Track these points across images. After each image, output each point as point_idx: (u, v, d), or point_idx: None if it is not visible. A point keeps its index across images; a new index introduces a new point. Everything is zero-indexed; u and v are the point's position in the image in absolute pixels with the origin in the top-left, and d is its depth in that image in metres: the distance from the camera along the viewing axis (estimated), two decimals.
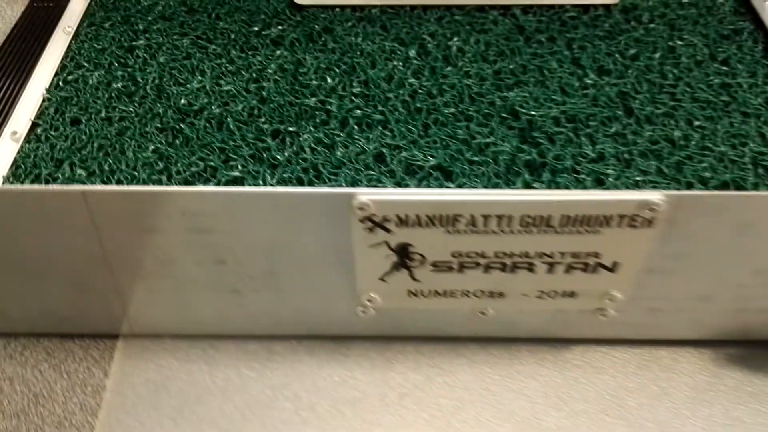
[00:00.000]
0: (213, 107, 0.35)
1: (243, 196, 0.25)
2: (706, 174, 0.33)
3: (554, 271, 0.25)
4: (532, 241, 0.24)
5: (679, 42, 0.40)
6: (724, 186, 0.33)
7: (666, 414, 0.28)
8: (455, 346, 0.30)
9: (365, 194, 0.22)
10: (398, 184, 0.32)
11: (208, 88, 0.36)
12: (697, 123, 0.36)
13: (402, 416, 0.28)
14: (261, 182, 0.32)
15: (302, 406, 0.28)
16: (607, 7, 0.42)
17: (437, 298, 0.26)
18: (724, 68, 0.39)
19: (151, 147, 0.33)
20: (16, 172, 0.32)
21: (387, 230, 0.23)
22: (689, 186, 0.33)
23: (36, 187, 0.28)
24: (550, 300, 0.26)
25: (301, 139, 0.34)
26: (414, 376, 0.29)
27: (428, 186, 0.32)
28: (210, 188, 0.28)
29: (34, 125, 0.35)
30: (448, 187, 0.32)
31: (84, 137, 0.34)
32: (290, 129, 0.35)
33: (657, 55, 0.39)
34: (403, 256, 0.24)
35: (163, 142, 0.33)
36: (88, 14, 0.42)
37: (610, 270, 0.25)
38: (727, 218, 0.24)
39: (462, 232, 0.23)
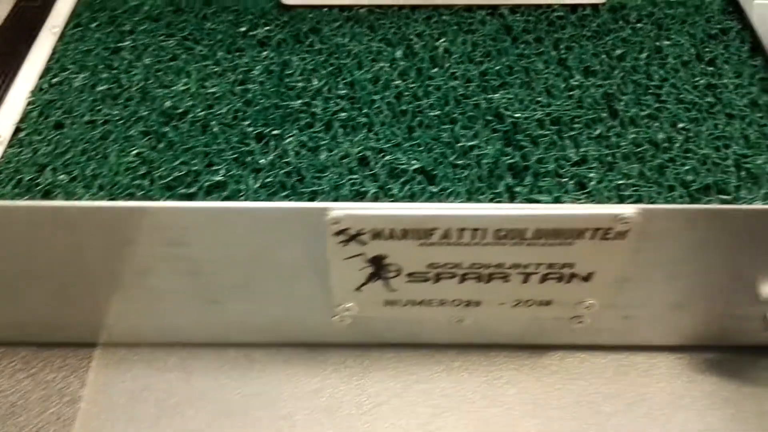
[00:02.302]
0: (198, 110, 0.35)
1: (216, 212, 0.25)
2: (689, 177, 0.33)
3: (529, 281, 0.25)
4: (507, 253, 0.24)
5: (666, 42, 0.40)
6: (705, 189, 0.33)
7: (642, 420, 0.29)
8: (433, 353, 0.30)
9: (339, 209, 0.22)
10: (381, 188, 0.32)
11: (193, 90, 0.36)
12: (681, 125, 0.36)
13: (378, 424, 0.28)
14: (243, 187, 0.32)
15: (279, 415, 0.28)
16: (595, 6, 0.42)
17: (414, 308, 0.27)
18: (710, 69, 0.39)
19: (135, 151, 0.33)
20: None
21: (362, 243, 0.23)
22: (671, 189, 0.33)
23: (8, 203, 0.28)
24: (526, 308, 0.27)
25: (285, 142, 0.34)
26: (391, 384, 0.29)
27: (411, 190, 0.32)
28: (184, 204, 0.28)
29: (17, 130, 0.35)
30: (430, 191, 0.32)
31: (67, 141, 0.34)
32: (274, 132, 0.35)
33: (643, 56, 0.39)
34: (379, 267, 0.24)
35: (147, 146, 0.33)
36: (74, 14, 0.41)
37: (585, 280, 0.25)
38: (699, 230, 0.24)
39: (437, 244, 0.23)
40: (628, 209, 0.23)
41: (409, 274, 0.25)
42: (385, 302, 0.27)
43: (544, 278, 0.26)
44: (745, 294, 0.28)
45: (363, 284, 0.26)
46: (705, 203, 0.32)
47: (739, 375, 0.31)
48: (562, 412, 0.29)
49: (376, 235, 0.23)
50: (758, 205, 0.28)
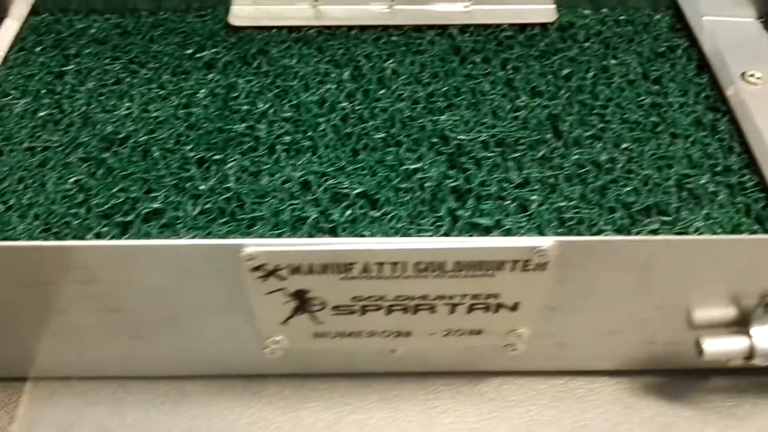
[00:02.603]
0: (139, 135, 0.35)
1: (122, 250, 0.24)
2: (630, 198, 0.34)
3: (456, 312, 0.25)
4: (430, 285, 0.24)
5: (613, 61, 0.40)
6: (646, 210, 0.34)
7: None
8: (370, 382, 0.30)
9: (253, 245, 0.22)
10: (322, 213, 0.32)
11: (135, 114, 0.36)
12: (624, 145, 0.36)
13: None
14: (182, 213, 0.31)
15: None
16: (544, 25, 0.42)
17: (344, 339, 0.26)
18: (656, 87, 0.39)
19: (73, 178, 0.32)
20: None
21: (281, 278, 0.23)
22: (612, 211, 0.33)
23: None
24: (457, 338, 0.26)
25: (226, 167, 0.34)
26: (325, 415, 0.29)
27: (353, 215, 0.31)
28: (92, 242, 0.27)
29: None
30: (372, 216, 0.31)
31: (5, 169, 0.33)
32: (216, 157, 0.34)
33: (590, 75, 0.39)
34: (303, 301, 0.24)
35: (85, 172, 0.33)
36: (19, 38, 0.41)
37: (513, 309, 0.25)
38: (622, 260, 0.24)
39: (358, 278, 0.23)
40: (545, 241, 0.23)
41: (335, 307, 0.25)
42: (314, 334, 0.26)
43: (470, 308, 0.26)
44: (678, 320, 0.28)
45: (289, 318, 0.25)
46: (645, 225, 0.31)
47: (678, 399, 0.31)
48: None
49: (295, 270, 0.23)
50: (676, 236, 0.28)
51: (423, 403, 0.30)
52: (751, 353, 0.27)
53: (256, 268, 0.22)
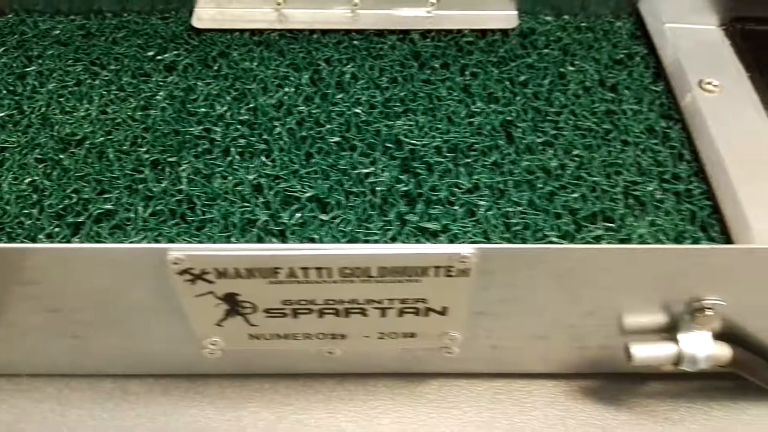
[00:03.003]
0: (96, 137, 0.35)
1: (58, 253, 0.25)
2: (576, 205, 0.34)
3: (387, 316, 0.26)
4: (358, 290, 0.24)
5: (571, 68, 0.40)
6: (592, 217, 0.34)
7: None
8: (312, 383, 0.30)
9: (178, 250, 0.22)
10: (272, 217, 0.33)
11: (93, 116, 0.36)
12: (575, 152, 0.36)
13: None
14: (132, 215, 0.32)
15: None
16: (504, 32, 0.43)
17: (279, 341, 0.27)
18: (611, 95, 0.39)
19: (28, 179, 0.33)
20: None
21: (209, 282, 0.23)
22: (557, 217, 0.33)
23: None
24: (391, 340, 0.27)
25: (180, 169, 0.34)
26: (266, 415, 0.29)
27: (302, 218, 0.32)
28: (29, 245, 0.28)
29: None
30: (321, 219, 0.32)
31: None
32: (171, 159, 0.35)
33: (546, 82, 0.39)
34: (234, 304, 0.25)
35: (41, 173, 0.33)
36: None
37: (442, 314, 0.25)
38: (544, 268, 0.24)
39: (285, 282, 0.24)
40: (465, 249, 0.23)
41: (266, 310, 0.26)
42: (249, 336, 0.27)
43: (401, 312, 0.26)
44: (609, 326, 0.28)
45: (222, 320, 0.26)
46: (590, 231, 0.32)
47: (614, 403, 0.31)
48: None
49: (221, 274, 0.24)
50: (594, 245, 0.29)
51: (363, 404, 0.30)
52: (678, 359, 0.27)
53: (183, 272, 0.23)
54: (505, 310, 0.26)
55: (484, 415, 0.29)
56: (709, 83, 0.42)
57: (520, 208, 0.33)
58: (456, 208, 0.33)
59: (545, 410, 0.29)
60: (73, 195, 0.33)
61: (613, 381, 0.30)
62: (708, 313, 0.25)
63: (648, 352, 0.26)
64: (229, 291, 0.23)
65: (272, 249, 0.22)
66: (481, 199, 0.34)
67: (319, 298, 0.24)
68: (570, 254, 0.25)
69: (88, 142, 0.35)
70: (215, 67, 0.39)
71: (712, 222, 0.34)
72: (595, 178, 0.35)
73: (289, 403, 0.29)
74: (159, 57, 0.40)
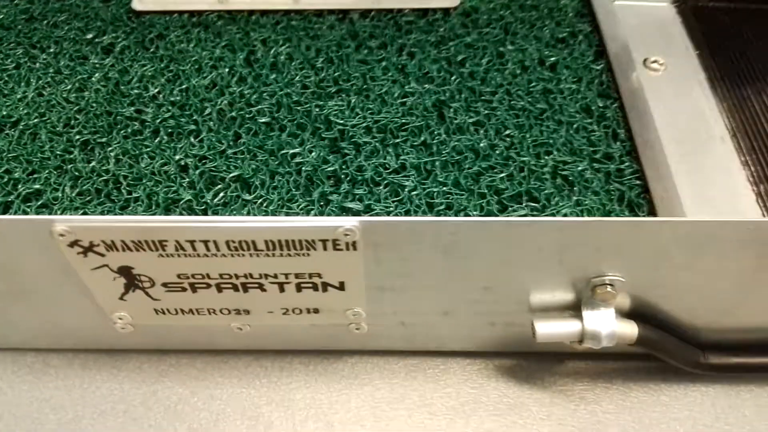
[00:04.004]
0: (31, 118, 0.36)
1: None
2: (502, 185, 0.34)
3: (286, 291, 0.26)
4: (250, 264, 0.24)
5: (510, 47, 0.40)
6: (518, 197, 0.34)
7: (423, 425, 0.29)
8: (229, 359, 0.31)
9: (63, 222, 0.23)
10: (196, 197, 0.33)
11: (30, 98, 0.37)
12: (506, 132, 0.36)
13: (161, 428, 0.29)
14: (60, 195, 0.32)
15: (67, 419, 0.29)
16: (446, 11, 0.42)
17: (184, 316, 0.27)
18: (550, 74, 0.39)
19: None
20: None
21: (100, 254, 0.24)
22: (482, 197, 0.33)
23: None
24: (297, 316, 0.27)
25: (109, 149, 0.35)
26: (180, 389, 0.30)
27: (225, 198, 0.32)
28: None
29: None
30: (245, 199, 0.32)
31: None
32: (101, 140, 0.35)
33: (484, 61, 0.39)
34: (130, 277, 0.25)
35: None
36: None
37: (340, 289, 0.25)
38: (427, 241, 0.24)
39: (175, 256, 0.24)
40: (348, 221, 0.23)
41: (164, 284, 0.26)
42: (154, 311, 0.27)
43: (299, 288, 0.26)
44: (513, 303, 0.28)
45: (124, 294, 0.26)
46: (514, 210, 0.31)
47: (530, 381, 0.31)
48: (345, 415, 0.29)
49: (110, 247, 0.24)
50: (478, 219, 0.27)
51: (277, 380, 0.30)
52: (582, 336, 0.27)
53: (73, 245, 0.23)
54: (402, 284, 0.26)
55: (397, 391, 0.29)
56: (654, 62, 0.41)
57: (445, 189, 0.33)
58: (381, 188, 0.34)
59: (459, 387, 0.29)
60: (4, 175, 0.33)
61: (532, 361, 0.30)
62: (608, 289, 0.25)
63: (552, 329, 0.26)
64: (122, 264, 0.24)
65: (156, 221, 0.22)
66: (406, 179, 0.34)
67: (213, 272, 0.24)
68: (446, 227, 0.24)
69: (22, 123, 0.36)
70: (152, 49, 0.40)
71: (641, 202, 0.33)
72: (524, 158, 0.34)
73: (204, 378, 0.30)
74: (97, 40, 0.40)
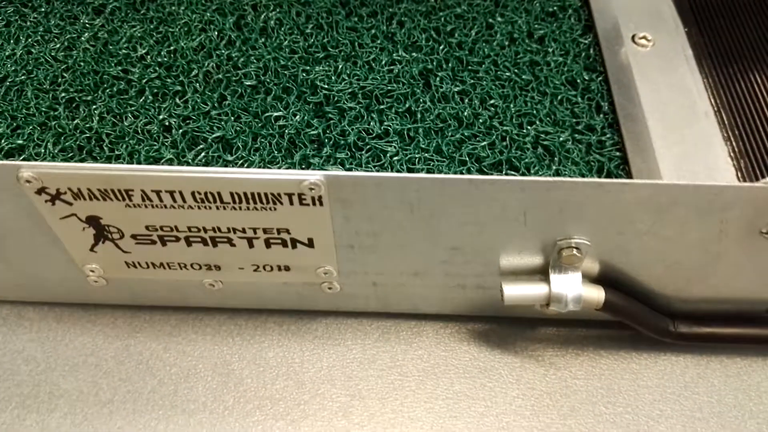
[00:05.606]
0: (18, 75, 0.36)
1: None
2: (483, 153, 0.34)
3: (255, 246, 0.26)
4: (216, 217, 0.24)
5: (500, 18, 0.40)
6: (498, 165, 0.34)
7: (392, 385, 0.29)
8: (203, 317, 0.31)
9: (28, 167, 0.23)
10: (177, 156, 0.33)
11: (18, 56, 0.37)
12: (491, 102, 0.36)
13: (132, 382, 0.29)
14: (42, 150, 0.32)
15: (38, 371, 0.30)
16: None
17: (155, 270, 0.27)
18: (537, 46, 0.38)
19: None
20: None
21: (68, 203, 0.24)
22: (462, 164, 0.33)
23: None
24: (267, 273, 0.27)
25: (93, 107, 0.35)
26: (152, 345, 0.30)
27: (206, 158, 0.32)
28: None
29: None
30: (226, 159, 0.32)
31: None
32: (86, 98, 0.35)
33: (473, 32, 0.39)
34: (99, 228, 0.25)
35: None
36: None
37: (309, 246, 0.26)
38: (396, 198, 0.24)
39: (141, 206, 0.24)
40: (312, 175, 0.23)
41: (133, 236, 0.26)
42: (125, 263, 0.27)
43: (268, 243, 0.26)
44: (482, 264, 0.28)
45: (94, 245, 0.26)
46: None
47: (501, 346, 0.31)
48: (315, 374, 0.30)
49: (77, 195, 0.24)
50: (440, 175, 0.27)
51: (251, 338, 0.31)
52: (548, 299, 0.27)
53: (40, 192, 0.23)
54: (371, 243, 0.26)
55: (369, 352, 0.29)
56: (643, 38, 0.41)
57: (426, 155, 0.33)
58: (363, 153, 0.34)
59: (430, 350, 0.29)
60: None
61: (505, 326, 0.31)
62: (574, 252, 0.25)
63: (519, 291, 0.26)
64: (90, 214, 0.24)
65: (120, 169, 0.23)
66: (389, 145, 0.34)
67: (182, 225, 0.24)
68: (410, 183, 0.25)
69: (9, 80, 0.36)
70: (142, 11, 0.40)
71: (619, 173, 0.33)
72: (506, 128, 0.35)
73: (177, 334, 0.30)
74: (88, 0, 0.41)
